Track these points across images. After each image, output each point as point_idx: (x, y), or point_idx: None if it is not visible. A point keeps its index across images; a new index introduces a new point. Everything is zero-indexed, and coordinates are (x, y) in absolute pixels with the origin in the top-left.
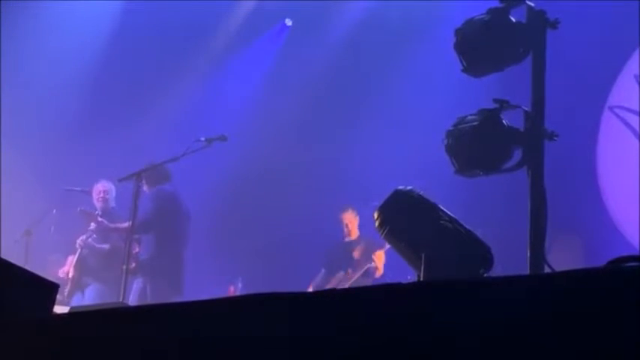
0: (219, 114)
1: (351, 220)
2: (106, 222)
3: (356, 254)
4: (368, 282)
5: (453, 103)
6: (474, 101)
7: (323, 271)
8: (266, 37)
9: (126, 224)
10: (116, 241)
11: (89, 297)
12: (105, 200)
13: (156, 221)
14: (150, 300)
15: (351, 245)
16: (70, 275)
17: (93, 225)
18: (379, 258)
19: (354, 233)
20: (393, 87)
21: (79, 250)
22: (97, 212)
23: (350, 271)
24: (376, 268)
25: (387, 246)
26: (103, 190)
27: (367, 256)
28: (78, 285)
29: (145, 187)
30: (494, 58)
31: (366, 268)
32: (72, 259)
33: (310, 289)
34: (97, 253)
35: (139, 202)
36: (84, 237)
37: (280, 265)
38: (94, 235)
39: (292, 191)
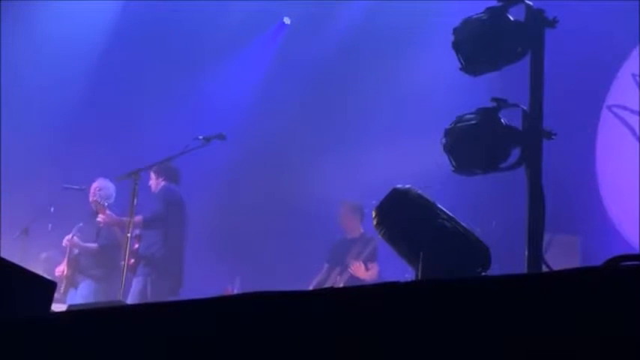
0: (217, 112)
1: (347, 217)
2: (114, 215)
3: (354, 252)
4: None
5: (451, 101)
6: (473, 100)
7: (326, 266)
8: (264, 36)
9: (132, 219)
10: (107, 238)
11: (81, 293)
12: (99, 197)
13: (164, 218)
14: (150, 298)
15: (352, 243)
16: (65, 273)
17: (101, 217)
18: (372, 271)
19: (355, 230)
20: (391, 85)
21: (68, 248)
22: (106, 204)
23: (339, 269)
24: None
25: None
26: (97, 187)
27: (364, 255)
28: (71, 282)
29: (152, 183)
30: (492, 57)
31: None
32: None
33: (311, 287)
34: (85, 250)
35: (137, 200)
36: (69, 235)
37: (278, 266)
38: (79, 233)
39: (291, 190)
